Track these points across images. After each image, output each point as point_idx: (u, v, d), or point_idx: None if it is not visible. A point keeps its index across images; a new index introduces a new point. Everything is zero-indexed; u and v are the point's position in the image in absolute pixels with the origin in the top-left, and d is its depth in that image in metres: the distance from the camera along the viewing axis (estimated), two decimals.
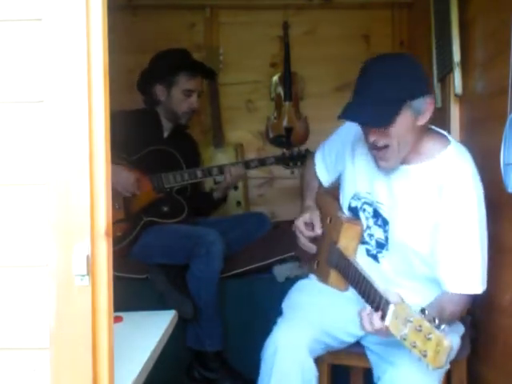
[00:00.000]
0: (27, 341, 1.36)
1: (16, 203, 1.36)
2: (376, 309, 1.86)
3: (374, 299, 1.89)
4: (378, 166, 2.10)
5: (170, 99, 3.15)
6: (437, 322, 1.68)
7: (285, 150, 3.36)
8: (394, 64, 2.02)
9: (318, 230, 2.27)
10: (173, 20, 3.90)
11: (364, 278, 2.00)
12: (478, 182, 2.06)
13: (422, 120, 2.03)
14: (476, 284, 2.03)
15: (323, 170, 2.43)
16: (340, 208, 2.30)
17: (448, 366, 1.74)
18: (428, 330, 1.67)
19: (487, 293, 2.06)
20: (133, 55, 3.59)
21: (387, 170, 2.11)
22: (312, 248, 2.31)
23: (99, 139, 1.33)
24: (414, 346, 1.70)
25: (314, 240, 2.31)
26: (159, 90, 3.16)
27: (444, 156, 2.07)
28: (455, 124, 2.77)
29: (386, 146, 2.02)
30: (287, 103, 3.95)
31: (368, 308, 1.89)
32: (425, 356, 1.68)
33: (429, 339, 1.66)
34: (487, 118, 2.43)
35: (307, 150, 3.27)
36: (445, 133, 2.16)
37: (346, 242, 2.17)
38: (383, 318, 1.82)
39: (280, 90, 3.95)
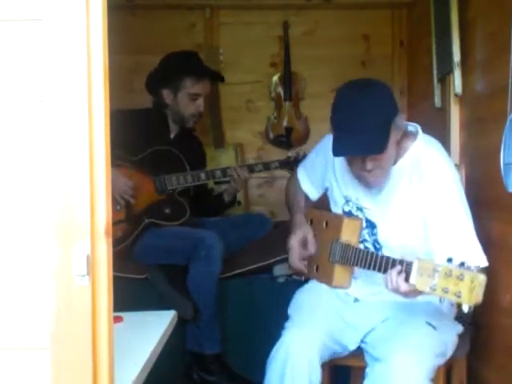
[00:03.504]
0: (27, 341, 1.36)
1: (16, 203, 1.36)
2: (398, 273, 1.90)
3: (394, 266, 1.93)
4: (369, 186, 2.17)
5: (177, 103, 3.15)
6: (466, 265, 1.70)
7: (289, 154, 3.32)
8: (369, 90, 2.07)
9: (312, 249, 2.36)
10: (173, 20, 3.89)
11: (377, 255, 2.05)
12: (452, 164, 2.16)
13: (400, 134, 2.12)
14: (480, 255, 2.03)
15: (309, 186, 2.50)
16: (335, 212, 2.36)
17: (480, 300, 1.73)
18: (459, 272, 1.69)
19: (487, 292, 2.06)
20: (133, 55, 3.60)
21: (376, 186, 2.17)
22: (303, 269, 2.38)
23: (99, 139, 1.33)
24: (446, 292, 1.71)
25: (306, 258, 2.37)
26: (165, 94, 3.15)
27: (415, 148, 2.15)
28: (455, 124, 2.77)
29: (379, 168, 2.09)
30: (287, 103, 3.95)
31: (395, 269, 1.91)
32: (459, 297, 1.69)
33: (461, 280, 1.68)
34: (487, 118, 2.43)
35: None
36: (414, 124, 2.22)
37: (347, 236, 2.22)
38: (407, 279, 1.86)
39: (280, 89, 3.95)
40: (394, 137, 2.07)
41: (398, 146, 2.14)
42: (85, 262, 1.31)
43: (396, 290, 1.91)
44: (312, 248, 2.36)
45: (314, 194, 2.50)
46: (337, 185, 2.33)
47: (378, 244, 2.22)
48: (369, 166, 2.07)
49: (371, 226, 2.23)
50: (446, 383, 2.27)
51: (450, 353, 2.16)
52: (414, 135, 2.19)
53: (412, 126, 2.22)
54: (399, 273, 1.89)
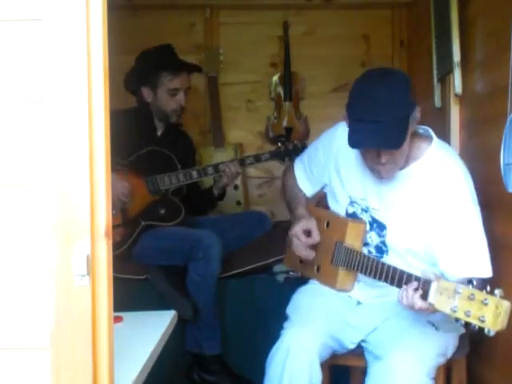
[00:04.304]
0: (27, 341, 1.36)
1: (16, 203, 1.36)
2: (414, 290, 1.88)
3: (409, 282, 1.91)
4: (380, 178, 2.14)
5: (157, 100, 3.12)
6: (488, 288, 1.68)
7: (279, 144, 3.31)
8: (390, 82, 2.03)
9: (317, 237, 2.29)
10: (173, 20, 3.90)
11: (389, 266, 2.03)
12: (467, 172, 2.13)
13: (415, 126, 2.11)
14: (486, 266, 2.04)
15: (305, 182, 2.46)
16: (337, 213, 2.32)
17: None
18: (483, 296, 1.66)
19: None
20: (132, 55, 3.58)
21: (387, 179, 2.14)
22: (310, 254, 2.32)
23: (99, 139, 1.33)
24: (468, 315, 1.68)
25: (311, 247, 2.32)
26: (145, 92, 3.13)
27: (429, 154, 2.13)
28: (455, 124, 2.77)
29: (393, 162, 2.07)
30: (287, 103, 3.95)
31: (412, 286, 1.89)
32: (483, 321, 1.66)
33: (485, 304, 1.65)
34: (487, 118, 2.43)
35: (303, 143, 3.25)
36: (425, 128, 2.20)
37: (351, 240, 2.19)
38: (424, 297, 1.83)
39: (280, 89, 3.96)
40: (410, 130, 2.05)
41: (412, 148, 2.11)
42: (85, 262, 1.31)
43: (411, 307, 1.89)
44: (316, 237, 2.29)
45: (309, 191, 2.46)
46: (341, 184, 2.29)
47: (385, 246, 2.18)
48: (383, 159, 2.04)
49: (380, 227, 2.19)
50: (446, 383, 2.27)
51: (450, 353, 2.16)
52: (428, 138, 2.17)
53: (422, 129, 2.19)
54: (415, 289, 1.87)
